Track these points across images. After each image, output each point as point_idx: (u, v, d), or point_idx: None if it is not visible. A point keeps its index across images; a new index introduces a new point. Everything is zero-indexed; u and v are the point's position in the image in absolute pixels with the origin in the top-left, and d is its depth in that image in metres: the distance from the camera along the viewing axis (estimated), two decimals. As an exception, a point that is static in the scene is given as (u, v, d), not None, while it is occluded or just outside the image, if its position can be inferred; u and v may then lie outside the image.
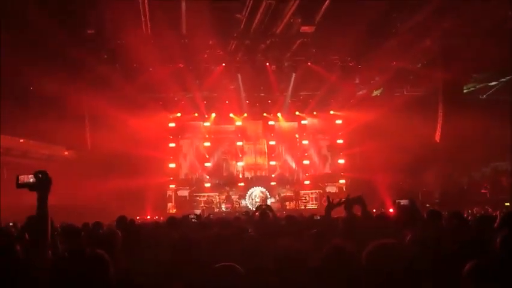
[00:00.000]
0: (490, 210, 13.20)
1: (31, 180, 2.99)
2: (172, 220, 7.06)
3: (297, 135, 23.96)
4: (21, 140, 16.94)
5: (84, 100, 18.44)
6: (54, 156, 19.07)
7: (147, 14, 14.09)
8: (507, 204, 15.69)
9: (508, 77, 19.46)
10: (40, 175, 3.00)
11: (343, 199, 5.20)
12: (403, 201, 5.69)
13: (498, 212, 8.88)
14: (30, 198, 3.18)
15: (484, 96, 21.12)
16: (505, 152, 19.01)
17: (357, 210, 5.64)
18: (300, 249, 2.72)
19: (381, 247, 2.42)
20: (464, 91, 20.12)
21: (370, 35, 15.67)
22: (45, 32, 13.48)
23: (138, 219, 15.68)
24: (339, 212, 5.50)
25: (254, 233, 4.80)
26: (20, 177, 3.01)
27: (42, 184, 2.98)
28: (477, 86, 20.64)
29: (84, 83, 17.48)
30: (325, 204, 5.65)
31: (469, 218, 8.36)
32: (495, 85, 20.39)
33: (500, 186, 18.57)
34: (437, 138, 18.79)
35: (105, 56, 17.04)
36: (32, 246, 3.07)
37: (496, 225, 5.26)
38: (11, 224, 8.89)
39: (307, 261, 2.59)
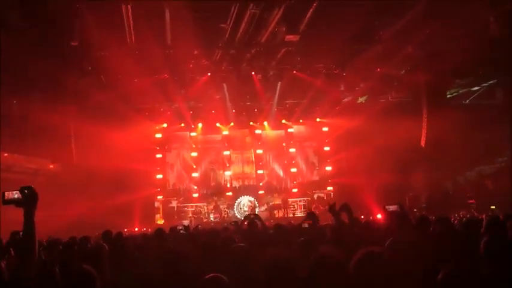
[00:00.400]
0: (475, 214, 13.32)
1: (16, 196, 2.95)
2: (160, 232, 7.01)
3: (283, 144, 23.99)
4: (6, 154, 16.71)
5: (69, 113, 18.29)
6: (40, 170, 18.83)
7: (131, 25, 14.07)
8: (493, 207, 15.86)
9: (490, 82, 19.76)
10: (26, 191, 2.96)
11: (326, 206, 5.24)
12: (392, 207, 5.71)
13: (484, 216, 8.96)
14: (15, 214, 3.14)
15: (467, 101, 21.40)
16: (488, 155, 19.28)
17: (345, 217, 5.66)
18: (288, 259, 2.72)
19: (368, 255, 2.43)
20: (448, 96, 20.38)
21: (353, 42, 15.83)
22: (28, 48, 13.40)
23: (126, 231, 15.56)
24: (327, 220, 5.52)
25: (243, 242, 4.78)
26: (5, 193, 2.97)
27: (29, 200, 2.94)
28: (460, 91, 20.91)
29: (69, 96, 17.35)
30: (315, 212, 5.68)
31: (456, 222, 8.42)
32: (477, 90, 20.67)
33: (485, 189, 18.77)
34: (422, 143, 18.99)
35: (90, 68, 16.94)
36: (18, 262, 3.02)
37: (482, 229, 5.32)
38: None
39: (295, 270, 2.59)
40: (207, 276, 3.05)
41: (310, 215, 5.18)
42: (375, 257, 2.42)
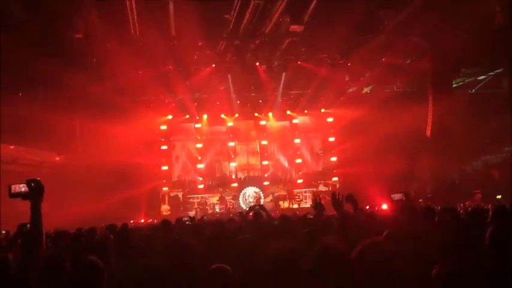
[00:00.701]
0: (481, 204, 13.26)
1: (23, 189, 2.96)
2: (165, 223, 7.04)
3: (288, 135, 23.97)
4: (11, 147, 16.81)
5: (74, 105, 18.35)
6: (45, 162, 18.95)
7: (135, 16, 14.05)
8: (499, 197, 15.81)
9: (496, 71, 19.61)
10: (32, 184, 2.97)
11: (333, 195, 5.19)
12: (397, 196, 5.72)
13: (490, 206, 8.94)
14: (22, 206, 3.15)
15: (473, 90, 21.27)
16: (494, 145, 19.18)
17: (350, 208, 5.65)
18: (292, 250, 2.73)
19: (370, 245, 2.42)
20: (453, 86, 20.25)
21: (358, 32, 15.74)
22: (31, 42, 13.42)
23: (132, 222, 15.65)
24: (333, 210, 5.50)
25: (248, 233, 4.80)
26: (12, 186, 2.99)
27: (35, 193, 2.95)
28: (466, 80, 20.78)
29: (73, 88, 17.38)
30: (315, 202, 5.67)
31: (462, 212, 8.40)
32: (484, 79, 20.54)
33: (491, 179, 18.70)
34: (428, 132, 18.91)
35: (94, 60, 16.95)
36: (25, 254, 3.05)
37: (488, 219, 5.30)
38: (3, 232, 8.83)
39: (299, 262, 2.60)
40: (212, 267, 3.07)
41: (317, 205, 5.17)
42: (376, 247, 2.41)
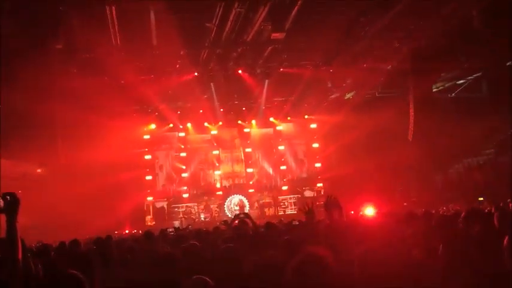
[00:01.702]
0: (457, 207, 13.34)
1: None
2: (148, 234, 7.00)
3: (272, 142, 24.02)
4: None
5: (56, 115, 18.14)
6: (27, 174, 18.67)
7: (116, 26, 13.98)
8: (481, 199, 16.03)
9: (475, 75, 19.93)
10: (8, 197, 2.91)
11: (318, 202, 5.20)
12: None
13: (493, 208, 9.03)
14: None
15: (453, 94, 21.57)
16: (475, 148, 19.46)
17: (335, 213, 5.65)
18: (272, 264, 2.72)
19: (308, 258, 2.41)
20: (434, 90, 20.52)
21: (339, 39, 15.86)
22: (12, 48, 13.26)
23: (116, 233, 15.49)
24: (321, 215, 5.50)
25: (233, 242, 4.77)
26: None
27: (10, 207, 2.89)
28: (446, 85, 21.07)
29: (54, 99, 17.18)
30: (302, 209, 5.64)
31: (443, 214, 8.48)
32: (463, 83, 20.85)
33: (474, 181, 18.95)
34: (409, 137, 19.11)
35: (75, 70, 16.81)
36: (2, 269, 2.98)
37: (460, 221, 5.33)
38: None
39: (279, 273, 2.58)
40: (192, 278, 3.05)
41: (308, 213, 5.14)
42: (315, 261, 2.40)
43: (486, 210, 7.09)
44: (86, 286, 2.86)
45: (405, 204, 17.18)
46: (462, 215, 5.27)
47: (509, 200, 9.79)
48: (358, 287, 2.45)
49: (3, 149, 16.35)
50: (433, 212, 7.29)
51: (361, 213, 13.62)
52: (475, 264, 3.07)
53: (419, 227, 5.07)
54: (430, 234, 4.35)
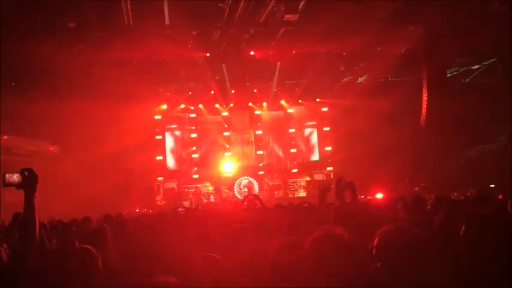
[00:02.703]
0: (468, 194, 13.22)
1: (16, 178, 2.92)
2: (161, 213, 7.07)
3: (283, 124, 23.97)
4: (5, 137, 16.72)
5: (68, 94, 18.25)
6: (39, 152, 18.87)
7: (129, 5, 13.93)
8: (492, 185, 15.91)
9: (490, 60, 19.63)
10: (26, 173, 2.93)
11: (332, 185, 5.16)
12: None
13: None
14: (16, 195, 3.13)
15: (467, 80, 21.29)
16: (489, 134, 19.26)
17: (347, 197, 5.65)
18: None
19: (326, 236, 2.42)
20: (448, 75, 20.26)
21: (353, 21, 15.67)
22: (25, 25, 13.31)
23: (127, 212, 15.65)
24: (331, 198, 5.49)
25: (242, 223, 4.81)
26: (6, 175, 2.95)
27: (29, 182, 2.91)
28: (460, 70, 20.79)
29: (67, 77, 17.28)
30: (314, 192, 5.64)
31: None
32: (478, 68, 20.56)
33: (485, 168, 18.79)
34: (422, 122, 18.95)
35: (88, 49, 16.82)
36: (20, 244, 3.02)
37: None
38: (-1, 222, 8.81)
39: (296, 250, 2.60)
40: (203, 255, 3.09)
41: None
42: (332, 238, 2.41)
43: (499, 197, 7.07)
44: (98, 260, 2.91)
45: (416, 189, 17.11)
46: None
47: None
48: (374, 264, 2.46)
49: (15, 126, 16.54)
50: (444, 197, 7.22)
51: (369, 197, 13.63)
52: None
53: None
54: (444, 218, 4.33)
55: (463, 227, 3.26)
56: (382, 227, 2.53)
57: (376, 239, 2.48)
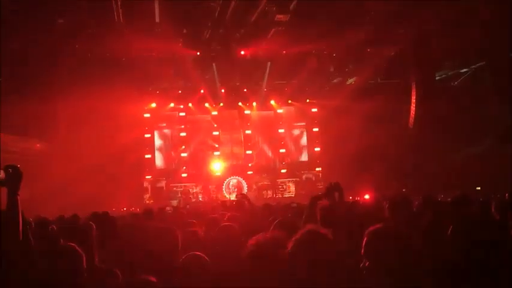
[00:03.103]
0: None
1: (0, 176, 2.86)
2: (148, 211, 7.03)
3: (272, 124, 23.98)
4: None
5: (56, 91, 18.10)
6: (27, 149, 18.68)
7: (119, 2, 13.86)
8: (478, 188, 16.08)
9: (478, 64, 19.82)
10: (10, 170, 2.88)
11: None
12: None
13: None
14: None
15: (456, 83, 21.47)
16: (475, 137, 19.44)
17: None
18: (272, 238, 2.74)
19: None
20: (436, 78, 20.42)
21: (344, 23, 15.73)
22: (14, 21, 13.18)
23: (114, 210, 15.55)
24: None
25: (229, 222, 4.80)
26: None
27: (13, 179, 2.87)
28: (449, 73, 20.96)
29: (56, 73, 17.13)
30: (302, 192, 5.64)
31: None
32: (466, 72, 20.74)
33: (472, 171, 18.95)
34: (410, 124, 19.10)
35: (77, 46, 16.72)
36: (1, 243, 2.98)
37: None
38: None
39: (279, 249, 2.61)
40: (188, 255, 3.08)
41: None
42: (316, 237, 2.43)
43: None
44: (82, 258, 2.88)
45: (404, 190, 17.23)
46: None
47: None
48: (363, 263, 2.48)
49: (3, 123, 16.35)
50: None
51: (357, 198, 13.71)
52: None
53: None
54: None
55: (450, 227, 3.31)
56: (371, 227, 2.55)
57: (365, 239, 2.50)
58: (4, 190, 2.94)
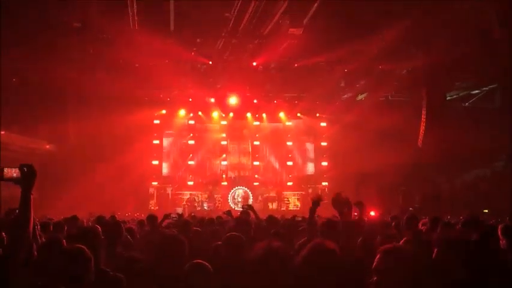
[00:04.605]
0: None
1: (14, 174, 2.90)
2: (152, 217, 7.06)
3: (281, 137, 24.00)
4: (2, 132, 16.68)
5: (68, 93, 18.28)
6: (36, 149, 18.82)
7: (135, 9, 13.99)
8: (486, 211, 15.94)
9: (490, 86, 19.77)
10: (25, 168, 2.91)
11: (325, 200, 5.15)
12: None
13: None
14: (10, 190, 3.11)
15: (467, 104, 21.41)
16: (486, 159, 19.33)
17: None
18: (280, 248, 2.74)
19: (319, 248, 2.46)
20: (447, 98, 20.38)
21: (356, 39, 15.77)
22: (30, 23, 13.34)
23: (119, 215, 15.57)
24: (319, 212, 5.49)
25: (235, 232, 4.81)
26: (5, 170, 2.93)
27: (27, 178, 2.89)
28: (460, 94, 20.92)
29: (69, 77, 17.29)
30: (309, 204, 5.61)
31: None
32: (477, 93, 20.69)
33: (480, 193, 18.83)
34: (419, 143, 19.03)
35: (91, 51, 16.88)
36: (12, 241, 3.00)
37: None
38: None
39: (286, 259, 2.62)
40: (191, 263, 3.09)
41: (315, 203, 5.02)
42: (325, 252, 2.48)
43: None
44: (91, 261, 2.90)
45: (411, 209, 17.15)
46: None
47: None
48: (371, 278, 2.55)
49: (13, 123, 16.51)
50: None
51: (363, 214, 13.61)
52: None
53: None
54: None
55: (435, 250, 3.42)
56: (384, 245, 2.68)
57: (378, 255, 2.60)
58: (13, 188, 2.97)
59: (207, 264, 3.15)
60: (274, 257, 2.55)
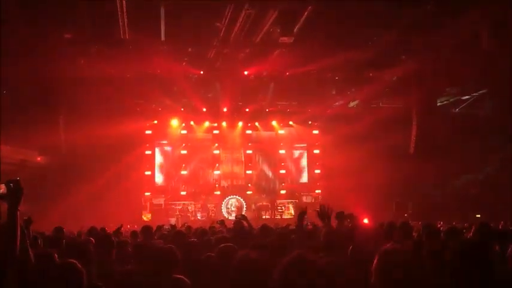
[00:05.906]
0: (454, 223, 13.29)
1: (0, 190, 2.82)
2: (146, 228, 7.01)
3: (273, 145, 23.99)
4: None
5: (59, 104, 18.20)
6: (27, 161, 18.67)
7: (125, 19, 13.99)
8: (478, 215, 16.04)
9: (480, 91, 19.94)
10: (11, 184, 2.85)
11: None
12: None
13: (466, 225, 9.07)
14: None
15: (457, 109, 21.57)
16: (476, 164, 19.45)
17: (332, 222, 5.70)
18: (257, 260, 2.72)
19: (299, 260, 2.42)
20: (438, 104, 20.52)
21: (347, 47, 15.88)
22: (21, 33, 13.31)
23: (111, 226, 15.45)
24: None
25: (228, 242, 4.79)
26: None
27: (13, 194, 2.84)
28: (450, 100, 21.07)
29: (60, 87, 17.23)
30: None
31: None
32: (468, 99, 20.85)
33: (472, 198, 18.93)
34: (411, 149, 19.12)
35: (82, 61, 16.86)
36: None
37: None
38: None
39: (265, 272, 2.59)
40: (171, 277, 3.07)
41: (301, 215, 5.14)
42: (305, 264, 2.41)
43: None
44: (83, 275, 2.87)
45: (406, 215, 17.21)
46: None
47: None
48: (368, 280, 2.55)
49: (3, 134, 16.37)
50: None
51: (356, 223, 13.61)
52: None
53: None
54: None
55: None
56: (383, 247, 2.66)
57: (377, 256, 2.59)
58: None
59: (184, 279, 3.13)
60: (251, 267, 2.53)
